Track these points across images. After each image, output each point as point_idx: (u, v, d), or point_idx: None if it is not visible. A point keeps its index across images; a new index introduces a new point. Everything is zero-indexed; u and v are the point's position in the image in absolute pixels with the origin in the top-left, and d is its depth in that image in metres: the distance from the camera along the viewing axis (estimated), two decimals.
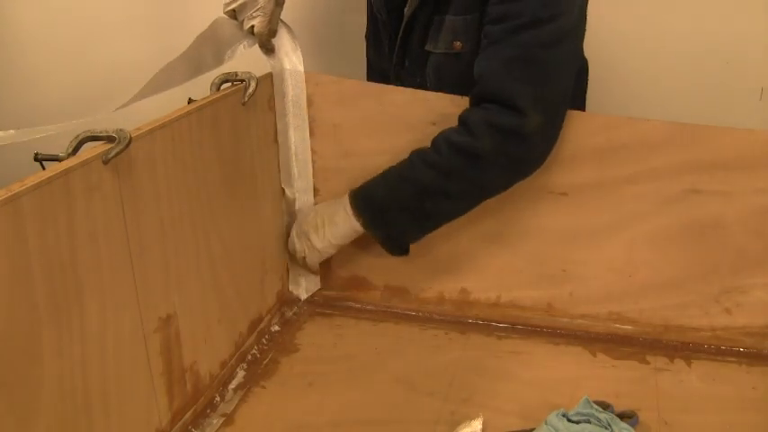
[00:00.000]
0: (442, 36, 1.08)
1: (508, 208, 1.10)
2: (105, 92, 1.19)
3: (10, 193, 0.63)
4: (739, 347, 1.06)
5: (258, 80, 1.03)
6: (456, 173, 1.01)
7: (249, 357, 1.06)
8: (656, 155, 1.04)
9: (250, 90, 1.01)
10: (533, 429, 0.86)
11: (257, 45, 1.08)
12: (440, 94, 1.08)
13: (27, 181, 0.66)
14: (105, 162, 0.74)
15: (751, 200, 1.03)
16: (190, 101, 0.94)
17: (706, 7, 1.34)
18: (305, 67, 1.12)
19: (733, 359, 1.04)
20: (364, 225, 1.07)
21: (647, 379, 1.00)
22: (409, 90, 1.10)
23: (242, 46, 1.06)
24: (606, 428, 0.84)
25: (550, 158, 1.05)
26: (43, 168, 0.71)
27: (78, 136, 0.75)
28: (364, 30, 1.26)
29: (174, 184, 0.87)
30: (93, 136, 0.76)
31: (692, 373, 1.01)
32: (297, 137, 1.15)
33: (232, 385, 1.00)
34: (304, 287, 1.22)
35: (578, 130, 1.06)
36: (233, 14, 1.07)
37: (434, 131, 1.04)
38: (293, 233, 1.16)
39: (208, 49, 1.02)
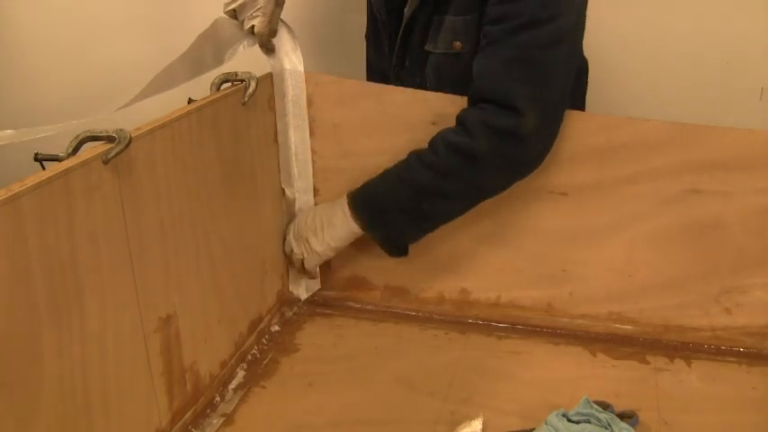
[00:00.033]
0: (442, 36, 1.08)
1: (508, 208, 1.10)
2: (105, 92, 1.19)
3: (10, 193, 0.63)
4: (739, 347, 1.06)
5: (258, 80, 1.03)
6: (453, 173, 1.01)
7: (249, 357, 1.06)
8: (656, 155, 1.04)
9: (250, 90, 1.01)
10: (533, 429, 0.86)
11: (257, 45, 1.08)
12: (440, 94, 1.08)
13: (27, 181, 0.66)
14: (105, 162, 0.74)
15: (751, 200, 1.03)
16: (190, 101, 0.94)
17: (706, 7, 1.34)
18: (305, 67, 1.12)
19: (733, 359, 1.04)
20: (362, 226, 1.07)
21: (647, 379, 0.99)
22: (409, 90, 1.10)
23: (242, 46, 1.06)
24: (606, 428, 0.84)
25: (550, 158, 1.05)
26: (43, 168, 0.71)
27: (78, 136, 0.75)
28: (364, 30, 1.26)
29: (174, 184, 0.87)
30: (93, 136, 0.76)
31: (692, 373, 1.01)
32: (297, 137, 1.15)
33: (232, 385, 1.00)
34: (304, 287, 1.21)
35: (578, 130, 1.06)
36: (233, 14, 1.07)
37: (434, 131, 1.04)
38: (290, 236, 1.15)
39: (208, 48, 1.02)
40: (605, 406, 0.88)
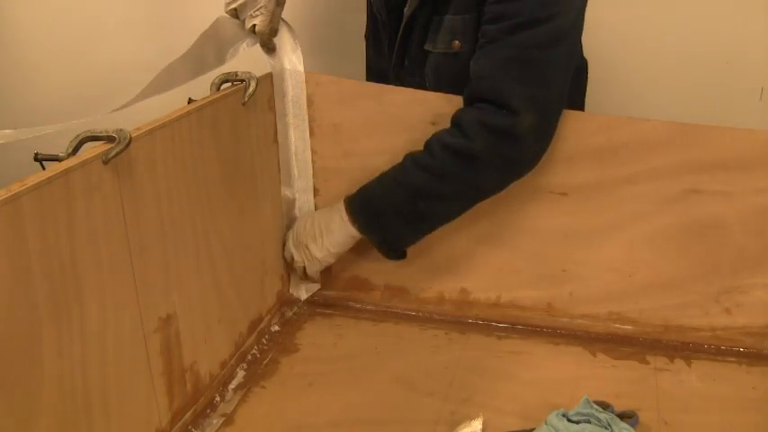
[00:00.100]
0: (441, 36, 1.08)
1: (508, 208, 1.10)
2: (105, 92, 1.19)
3: (10, 193, 0.63)
4: (739, 347, 1.06)
5: (258, 80, 1.03)
6: (450, 174, 1.01)
7: (249, 357, 1.06)
8: (656, 155, 1.04)
9: (250, 90, 1.01)
10: (533, 429, 0.86)
11: (258, 44, 1.08)
12: (439, 94, 1.08)
13: (27, 181, 0.66)
14: (105, 162, 0.74)
15: (751, 200, 1.03)
16: (190, 101, 0.94)
17: (706, 7, 1.34)
18: (305, 67, 1.12)
19: (733, 359, 1.04)
20: (360, 230, 1.07)
21: (647, 379, 0.99)
22: (409, 90, 1.10)
23: (244, 45, 1.06)
24: (606, 428, 0.84)
25: (550, 158, 1.05)
26: (43, 168, 0.72)
27: (78, 136, 0.75)
28: (364, 30, 1.26)
29: (174, 184, 0.87)
30: (93, 136, 0.76)
31: (692, 373, 1.01)
32: (297, 137, 1.15)
33: (232, 385, 1.00)
34: (304, 287, 1.21)
35: (578, 130, 1.06)
36: (234, 13, 1.07)
37: (434, 131, 1.04)
38: (289, 243, 1.15)
39: (210, 48, 1.02)
40: (605, 406, 0.88)
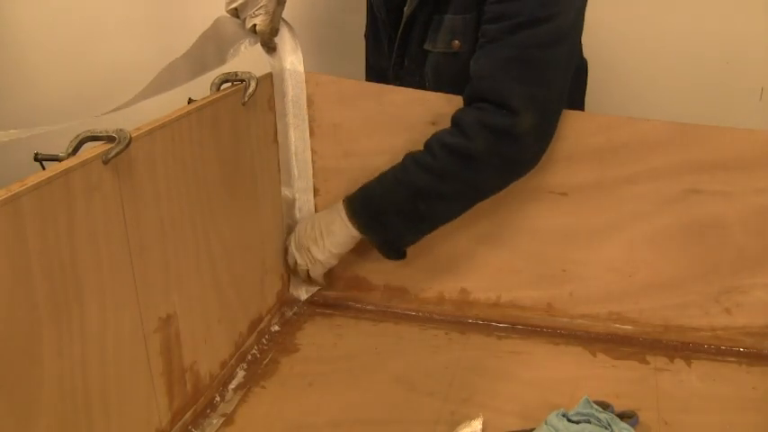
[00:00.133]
0: (441, 35, 1.08)
1: (508, 208, 1.10)
2: (105, 92, 1.19)
3: (10, 193, 0.63)
4: (739, 347, 1.06)
5: (258, 80, 1.03)
6: (450, 174, 1.01)
7: (249, 357, 1.06)
8: (656, 155, 1.04)
9: (250, 90, 1.01)
10: (533, 429, 0.86)
11: (259, 44, 1.08)
12: (439, 93, 1.08)
13: (27, 181, 0.66)
14: (105, 162, 0.74)
15: (751, 200, 1.03)
16: (190, 101, 0.94)
17: (706, 7, 1.34)
18: (305, 67, 1.12)
19: (733, 359, 1.04)
20: (360, 229, 1.08)
21: (647, 379, 0.99)
22: (409, 90, 1.10)
23: (244, 44, 1.06)
24: (606, 428, 0.84)
25: (550, 159, 1.05)
26: (43, 168, 0.71)
27: (78, 136, 0.75)
28: (364, 29, 1.26)
29: (174, 184, 0.87)
30: (93, 136, 0.76)
31: (692, 373, 1.01)
32: (297, 137, 1.15)
33: (232, 385, 1.00)
34: (304, 287, 1.21)
35: (578, 130, 1.06)
36: (235, 13, 1.07)
37: (434, 131, 1.04)
38: (291, 247, 1.15)
39: (211, 47, 1.02)
40: (605, 406, 0.88)
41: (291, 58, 1.11)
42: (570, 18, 1.00)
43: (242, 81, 1.02)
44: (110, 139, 0.75)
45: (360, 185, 1.08)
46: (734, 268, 1.05)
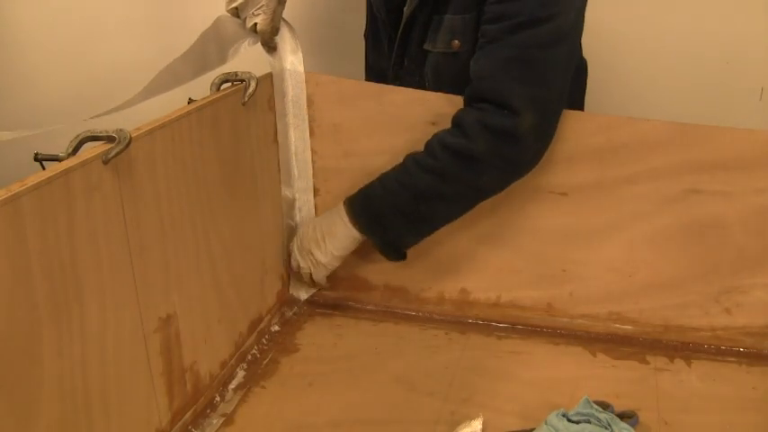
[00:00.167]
0: (441, 35, 1.08)
1: (508, 208, 1.10)
2: (105, 92, 1.19)
3: (10, 193, 0.63)
4: (739, 347, 1.06)
5: (258, 80, 1.03)
6: (451, 175, 1.01)
7: (249, 357, 1.06)
8: (656, 155, 1.04)
9: (250, 90, 1.01)
10: (533, 429, 0.86)
11: (259, 43, 1.08)
12: (439, 94, 1.08)
13: (27, 181, 0.66)
14: (105, 162, 0.74)
15: (751, 200, 1.03)
16: (190, 101, 0.94)
17: (706, 7, 1.34)
18: (305, 67, 1.12)
19: (733, 359, 1.04)
20: (360, 230, 1.07)
21: (647, 379, 0.99)
22: (409, 90, 1.10)
23: (245, 44, 1.06)
24: (606, 428, 0.84)
25: (550, 159, 1.05)
26: (43, 168, 0.71)
27: (78, 136, 0.75)
28: (364, 29, 1.26)
29: (174, 184, 0.87)
30: (93, 136, 0.76)
31: (692, 373, 1.01)
32: (297, 137, 1.15)
33: (232, 385, 1.00)
34: (304, 288, 1.21)
35: (578, 130, 1.06)
36: (235, 12, 1.07)
37: (434, 131, 1.04)
38: (295, 251, 1.15)
39: (211, 47, 1.02)
40: (605, 406, 0.88)
41: (291, 58, 1.11)
42: (570, 18, 1.00)
43: (242, 81, 1.02)
44: (110, 139, 0.75)
45: (360, 186, 1.08)
46: (734, 268, 1.05)
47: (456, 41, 1.06)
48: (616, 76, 1.41)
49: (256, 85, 1.02)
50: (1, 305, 0.62)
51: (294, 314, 1.19)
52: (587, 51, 1.18)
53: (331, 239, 1.10)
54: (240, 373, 1.03)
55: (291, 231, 1.19)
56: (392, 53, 1.15)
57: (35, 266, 0.66)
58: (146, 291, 0.82)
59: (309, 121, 1.14)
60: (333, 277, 1.21)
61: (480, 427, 0.88)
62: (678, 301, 1.08)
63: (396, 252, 1.10)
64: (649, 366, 1.03)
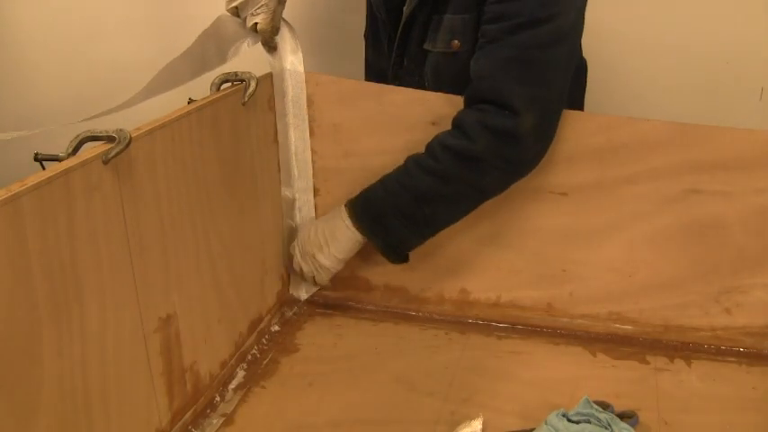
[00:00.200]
0: (441, 35, 1.08)
1: (508, 208, 1.10)
2: (105, 92, 1.19)
3: (10, 193, 0.63)
4: (739, 347, 1.06)
5: (258, 80, 1.03)
6: (453, 177, 1.01)
7: (249, 357, 1.06)
8: (656, 155, 1.04)
9: (250, 90, 1.01)
10: (533, 429, 0.86)
11: (260, 43, 1.08)
12: (439, 94, 1.08)
13: (27, 181, 0.66)
14: (105, 162, 0.74)
15: (751, 200, 1.03)
16: (190, 101, 0.94)
17: (706, 7, 1.34)
18: (305, 67, 1.12)
19: (733, 359, 1.04)
20: (363, 233, 1.07)
21: (647, 379, 0.99)
22: (409, 90, 1.10)
23: (245, 44, 1.06)
24: (606, 428, 0.84)
25: (550, 159, 1.05)
26: (43, 168, 0.72)
27: (78, 136, 0.75)
28: (364, 29, 1.26)
29: (174, 184, 0.87)
30: (93, 136, 0.76)
31: (692, 373, 1.01)
32: (297, 137, 1.15)
33: (232, 385, 1.00)
34: (304, 287, 1.21)
35: (578, 130, 1.06)
36: (235, 12, 1.07)
37: (434, 131, 1.04)
38: (296, 256, 1.14)
39: (211, 46, 1.02)
40: (605, 406, 0.88)
41: (291, 58, 1.11)
42: (570, 18, 1.00)
43: (242, 81, 1.02)
44: (110, 139, 0.75)
45: (360, 186, 1.08)
46: (734, 268, 1.05)
47: (456, 41, 1.06)
48: (616, 76, 1.41)
49: (256, 85, 1.02)
50: (1, 305, 0.62)
51: (294, 314, 1.19)
52: (587, 51, 1.18)
53: (334, 243, 1.09)
54: (240, 373, 1.03)
55: (291, 231, 1.19)
56: (392, 53, 1.15)
57: (35, 266, 0.66)
58: (146, 291, 0.82)
59: (309, 121, 1.14)
60: (333, 277, 1.21)
61: (480, 427, 0.88)
62: (678, 301, 1.08)
63: (398, 255, 1.10)
64: (649, 366, 1.03)
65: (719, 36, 1.35)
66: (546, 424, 0.85)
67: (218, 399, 0.97)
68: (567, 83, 1.03)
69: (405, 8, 1.10)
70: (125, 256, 0.79)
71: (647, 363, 1.03)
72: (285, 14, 1.09)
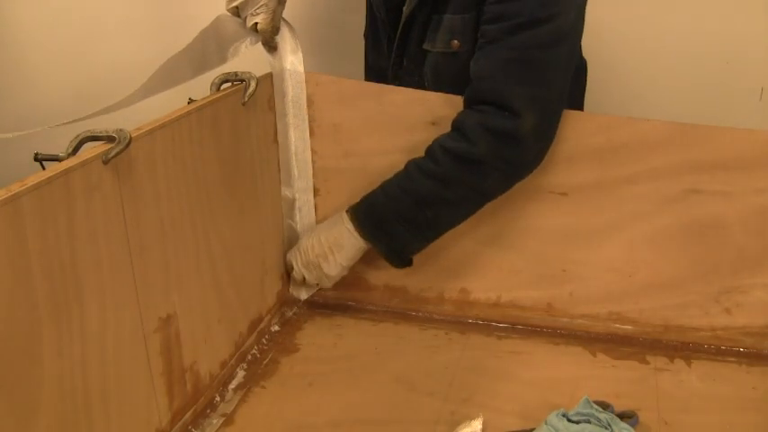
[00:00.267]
0: (440, 35, 1.07)
1: (508, 208, 1.10)
2: (105, 92, 1.18)
3: (10, 193, 0.63)
4: (739, 347, 1.06)
5: (258, 80, 1.03)
6: (454, 180, 1.01)
7: (249, 357, 1.06)
8: (656, 155, 1.04)
9: (250, 90, 1.01)
10: (533, 429, 0.86)
11: (260, 43, 1.08)
12: (439, 94, 1.08)
13: (27, 181, 0.66)
14: (105, 162, 0.74)
15: (751, 200, 1.03)
16: (190, 101, 0.94)
17: (706, 7, 1.34)
18: (305, 67, 1.12)
19: (733, 359, 1.04)
20: (366, 239, 1.07)
21: (647, 379, 0.99)
22: (409, 90, 1.10)
23: (245, 43, 1.06)
24: (606, 428, 0.84)
25: (550, 159, 1.05)
26: (43, 168, 0.72)
27: (78, 136, 0.75)
28: (364, 29, 1.26)
29: (174, 184, 0.87)
30: (93, 136, 0.76)
31: (692, 373, 1.01)
32: (297, 137, 1.15)
33: (232, 385, 1.00)
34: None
35: (578, 130, 1.06)
36: (235, 11, 1.07)
37: (434, 131, 1.04)
38: (297, 265, 1.14)
39: (211, 46, 1.02)
40: (605, 406, 0.88)
41: (291, 58, 1.11)
42: (570, 18, 0.99)
43: (242, 81, 1.02)
44: (110, 139, 0.75)
45: (360, 186, 1.08)
46: (734, 268, 1.05)
47: (455, 41, 1.06)
48: (616, 76, 1.41)
49: (256, 85, 1.02)
50: (1, 305, 0.62)
51: (294, 314, 1.19)
52: (587, 51, 1.18)
53: (339, 251, 1.09)
54: (240, 373, 1.03)
55: (291, 231, 1.19)
56: (391, 53, 1.15)
57: (35, 266, 0.66)
58: (146, 291, 0.82)
59: (309, 121, 1.14)
60: None
61: (480, 427, 0.88)
62: (678, 301, 1.08)
63: (402, 259, 1.10)
64: (649, 366, 1.03)
65: (719, 36, 1.35)
66: (546, 424, 0.85)
67: (218, 399, 0.97)
68: (568, 83, 1.03)
69: (404, 8, 1.10)
70: (125, 256, 0.79)
71: (647, 363, 1.03)
72: (285, 14, 1.09)
